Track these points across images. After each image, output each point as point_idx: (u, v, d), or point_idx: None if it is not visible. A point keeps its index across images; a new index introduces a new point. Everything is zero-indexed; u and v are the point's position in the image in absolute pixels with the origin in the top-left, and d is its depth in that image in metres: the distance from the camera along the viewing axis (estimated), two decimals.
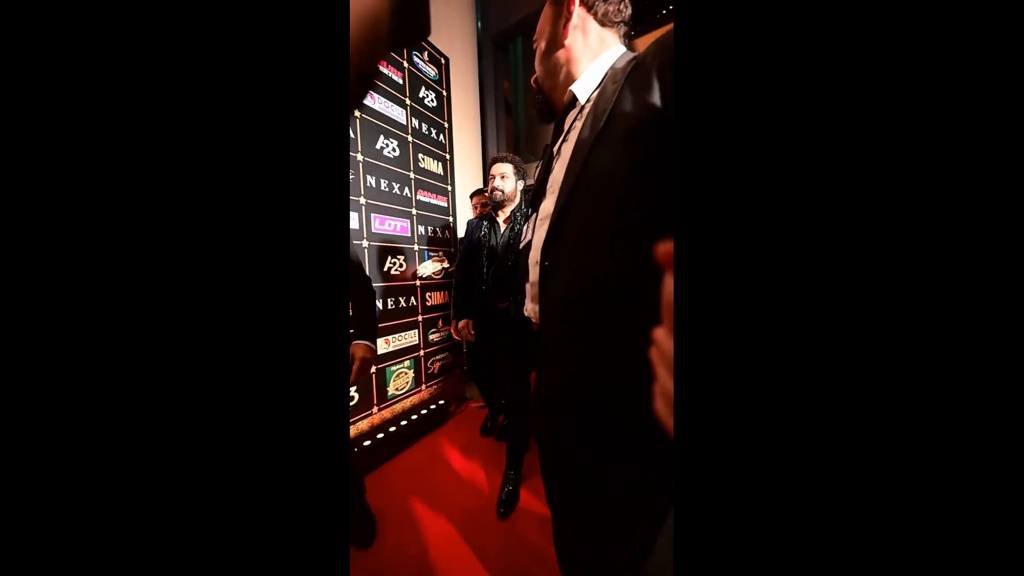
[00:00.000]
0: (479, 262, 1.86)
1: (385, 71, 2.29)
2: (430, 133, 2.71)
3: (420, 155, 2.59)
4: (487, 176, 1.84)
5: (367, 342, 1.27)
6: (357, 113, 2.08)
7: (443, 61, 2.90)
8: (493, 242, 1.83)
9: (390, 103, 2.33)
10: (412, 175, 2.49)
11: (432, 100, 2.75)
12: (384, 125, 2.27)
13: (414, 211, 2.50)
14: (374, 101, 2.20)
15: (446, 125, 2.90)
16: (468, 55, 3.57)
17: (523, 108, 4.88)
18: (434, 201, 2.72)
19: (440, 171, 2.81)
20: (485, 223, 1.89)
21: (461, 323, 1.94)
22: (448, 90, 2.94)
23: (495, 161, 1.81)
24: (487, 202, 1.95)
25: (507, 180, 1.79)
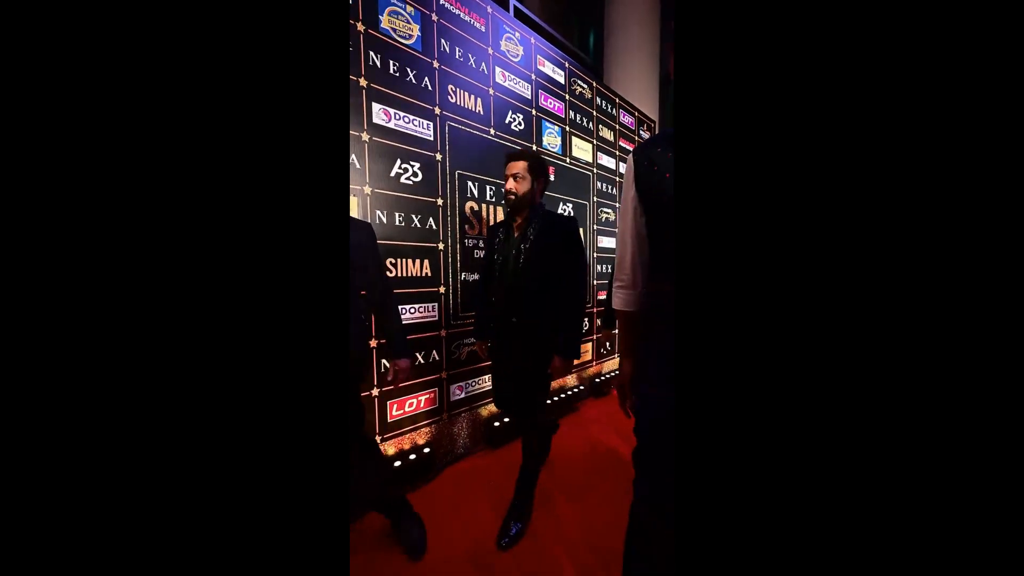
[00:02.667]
0: (493, 273, 1.55)
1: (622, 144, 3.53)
2: None
3: None
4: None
5: (407, 358, 1.38)
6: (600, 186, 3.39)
7: (650, 123, 4.02)
8: (506, 251, 1.48)
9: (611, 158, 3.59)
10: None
11: None
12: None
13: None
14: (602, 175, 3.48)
15: None
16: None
17: None
18: None
19: None
20: (501, 230, 1.55)
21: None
22: None
23: (509, 159, 1.42)
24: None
25: (522, 181, 1.39)
